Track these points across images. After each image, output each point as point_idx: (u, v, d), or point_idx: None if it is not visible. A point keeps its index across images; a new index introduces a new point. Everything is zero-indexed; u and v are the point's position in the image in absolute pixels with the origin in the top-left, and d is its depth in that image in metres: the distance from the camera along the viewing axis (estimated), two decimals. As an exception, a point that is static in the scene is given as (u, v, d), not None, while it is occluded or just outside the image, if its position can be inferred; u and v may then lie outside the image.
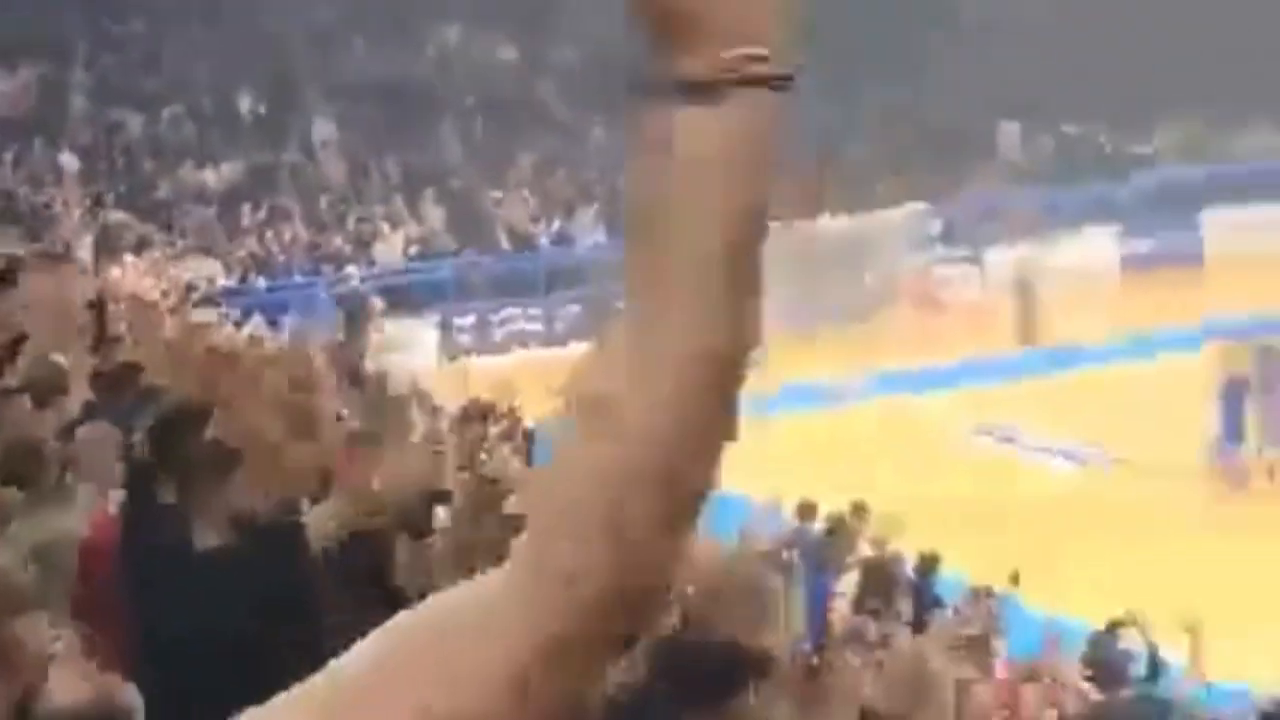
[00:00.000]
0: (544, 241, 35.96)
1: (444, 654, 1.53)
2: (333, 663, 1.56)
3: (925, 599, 16.58)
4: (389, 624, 1.58)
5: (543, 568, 1.53)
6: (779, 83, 1.55)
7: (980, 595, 16.18)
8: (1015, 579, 16.65)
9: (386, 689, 1.52)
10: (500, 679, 1.52)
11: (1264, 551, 21.51)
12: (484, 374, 26.97)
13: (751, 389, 1.49)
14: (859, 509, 18.23)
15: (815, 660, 11.38)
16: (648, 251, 1.55)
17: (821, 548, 17.48)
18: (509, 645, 1.52)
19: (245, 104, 36.99)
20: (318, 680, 1.56)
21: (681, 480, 1.53)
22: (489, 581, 1.57)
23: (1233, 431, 24.62)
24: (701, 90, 1.53)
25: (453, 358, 31.77)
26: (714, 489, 1.55)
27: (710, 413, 1.54)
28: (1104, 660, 15.13)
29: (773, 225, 1.54)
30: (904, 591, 16.44)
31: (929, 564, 17.19)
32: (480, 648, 1.53)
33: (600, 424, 1.53)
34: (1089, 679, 14.83)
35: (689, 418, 1.52)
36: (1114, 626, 15.62)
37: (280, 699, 1.56)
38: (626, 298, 1.57)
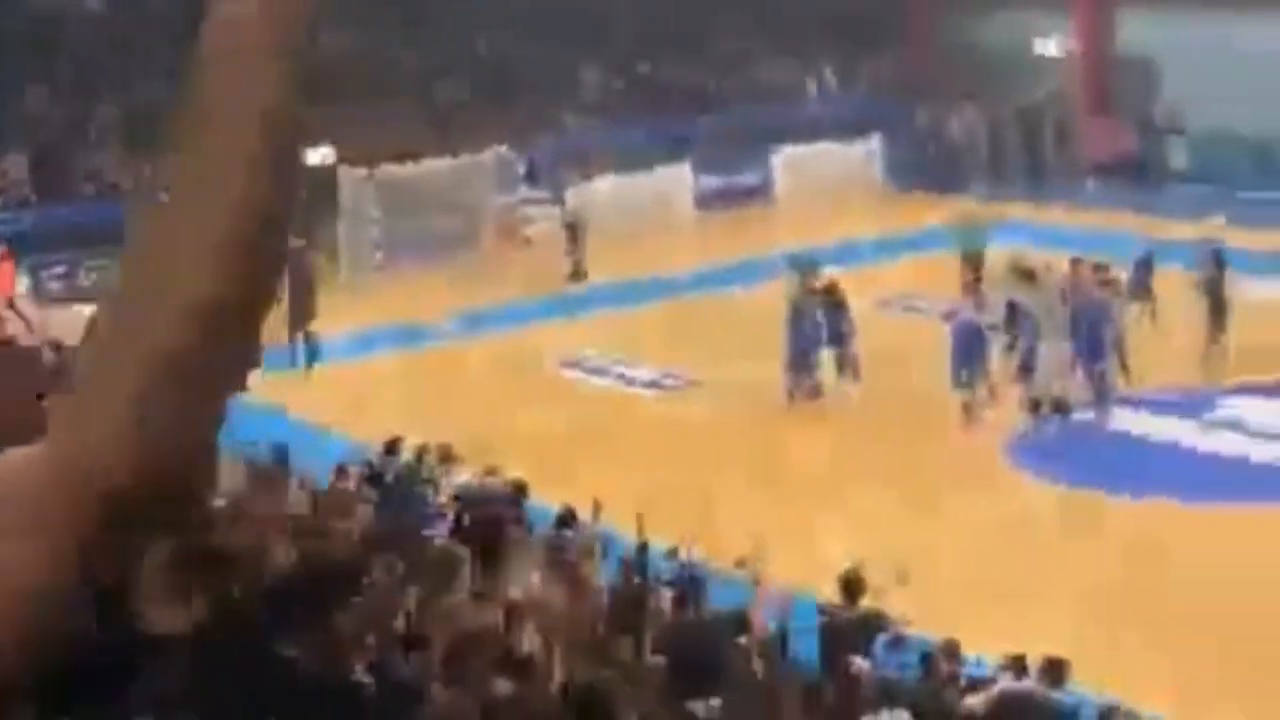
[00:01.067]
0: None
1: None
2: None
3: (519, 524, 17.08)
4: None
5: (78, 440, 1.58)
6: None
7: (570, 522, 16.97)
8: (597, 508, 17.03)
9: None
10: (47, 532, 1.55)
11: (831, 462, 22.88)
12: (77, 320, 26.98)
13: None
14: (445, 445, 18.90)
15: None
16: (189, 143, 1.63)
17: (409, 479, 18.06)
18: (50, 508, 1.55)
19: None
20: None
21: (206, 363, 1.60)
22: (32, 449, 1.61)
23: (801, 353, 25.63)
24: None
25: (43, 306, 31.48)
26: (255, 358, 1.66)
27: (249, 277, 1.62)
28: (680, 580, 15.84)
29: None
30: (499, 518, 16.99)
31: (520, 492, 17.71)
32: (28, 503, 1.55)
33: (150, 287, 1.60)
34: (673, 600, 15.53)
35: (229, 286, 1.60)
36: (675, 550, 16.33)
37: None
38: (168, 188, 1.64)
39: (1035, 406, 24.03)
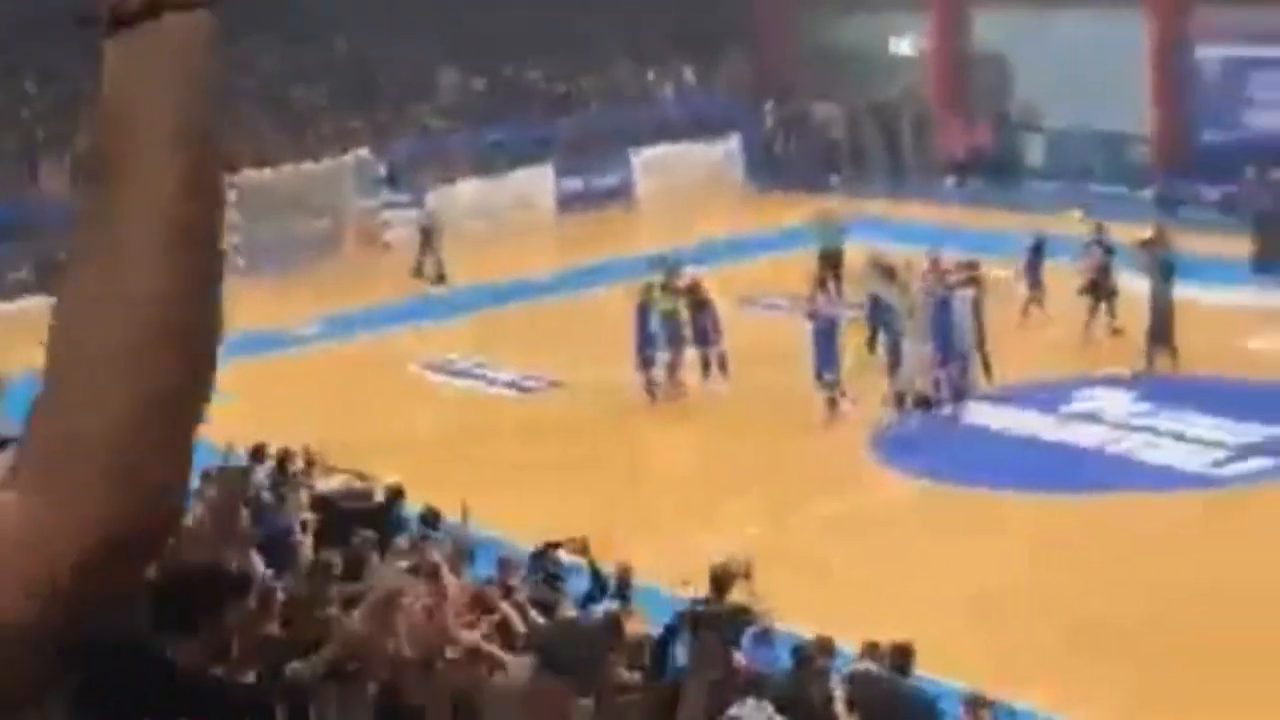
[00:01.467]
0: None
1: None
2: None
3: (390, 528, 17.06)
4: None
5: (53, 493, 1.50)
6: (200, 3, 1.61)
7: (433, 522, 16.94)
8: (465, 510, 17.13)
9: None
10: (14, 590, 1.48)
11: (697, 461, 23.01)
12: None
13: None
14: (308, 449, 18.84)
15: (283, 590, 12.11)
16: (100, 187, 1.56)
17: (276, 485, 17.94)
18: (26, 559, 1.49)
19: None
20: None
21: (181, 402, 1.54)
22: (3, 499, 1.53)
23: (647, 348, 25.64)
24: (128, 19, 1.58)
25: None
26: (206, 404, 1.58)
27: (181, 346, 1.54)
28: (547, 579, 15.87)
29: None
30: (369, 522, 16.93)
31: (394, 496, 17.71)
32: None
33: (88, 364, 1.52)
34: (535, 600, 15.51)
35: (154, 360, 1.52)
36: (552, 546, 16.40)
37: None
38: (81, 233, 1.56)
39: (900, 401, 24.26)
